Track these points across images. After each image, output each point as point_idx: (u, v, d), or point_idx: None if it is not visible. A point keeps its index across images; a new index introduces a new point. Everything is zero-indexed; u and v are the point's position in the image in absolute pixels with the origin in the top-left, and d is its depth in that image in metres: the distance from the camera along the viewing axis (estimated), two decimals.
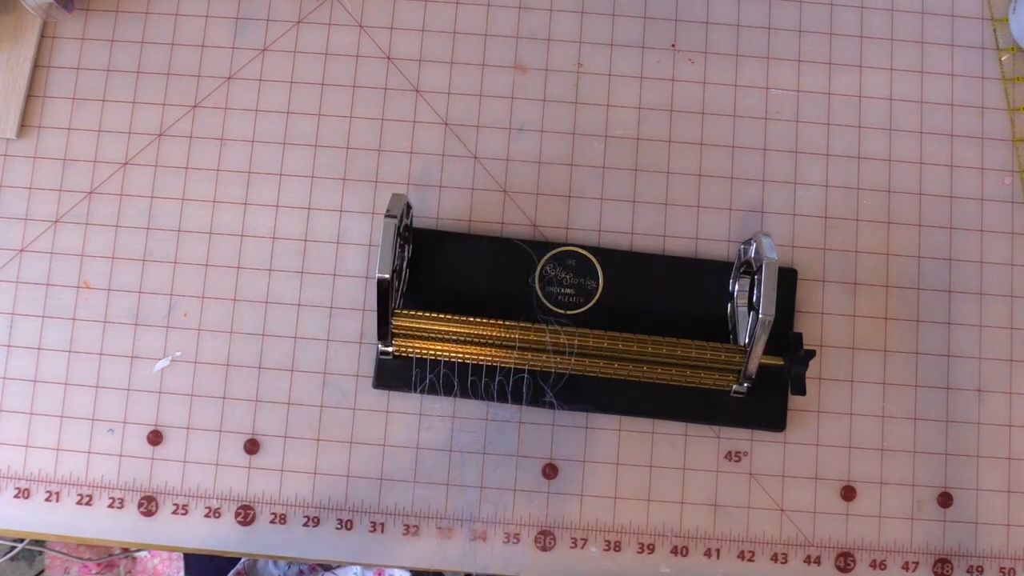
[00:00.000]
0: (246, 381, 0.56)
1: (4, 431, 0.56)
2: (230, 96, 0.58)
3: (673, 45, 0.59)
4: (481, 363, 0.53)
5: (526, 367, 0.53)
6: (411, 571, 0.58)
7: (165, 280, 0.57)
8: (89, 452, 0.55)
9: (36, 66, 0.59)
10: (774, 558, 0.55)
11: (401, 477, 0.55)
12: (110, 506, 0.55)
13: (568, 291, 0.56)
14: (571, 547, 0.55)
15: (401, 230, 0.51)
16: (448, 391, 0.54)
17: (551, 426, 0.56)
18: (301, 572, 0.65)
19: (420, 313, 0.52)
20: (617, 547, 0.55)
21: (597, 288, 0.56)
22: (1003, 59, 0.59)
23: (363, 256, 0.57)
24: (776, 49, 0.59)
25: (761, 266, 0.49)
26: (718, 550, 0.55)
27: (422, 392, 0.54)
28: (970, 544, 0.55)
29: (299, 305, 0.57)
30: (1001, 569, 0.55)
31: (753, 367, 0.50)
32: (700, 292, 0.56)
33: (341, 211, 0.57)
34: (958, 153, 0.58)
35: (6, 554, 1.04)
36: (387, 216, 0.49)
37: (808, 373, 0.51)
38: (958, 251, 0.57)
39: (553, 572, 0.55)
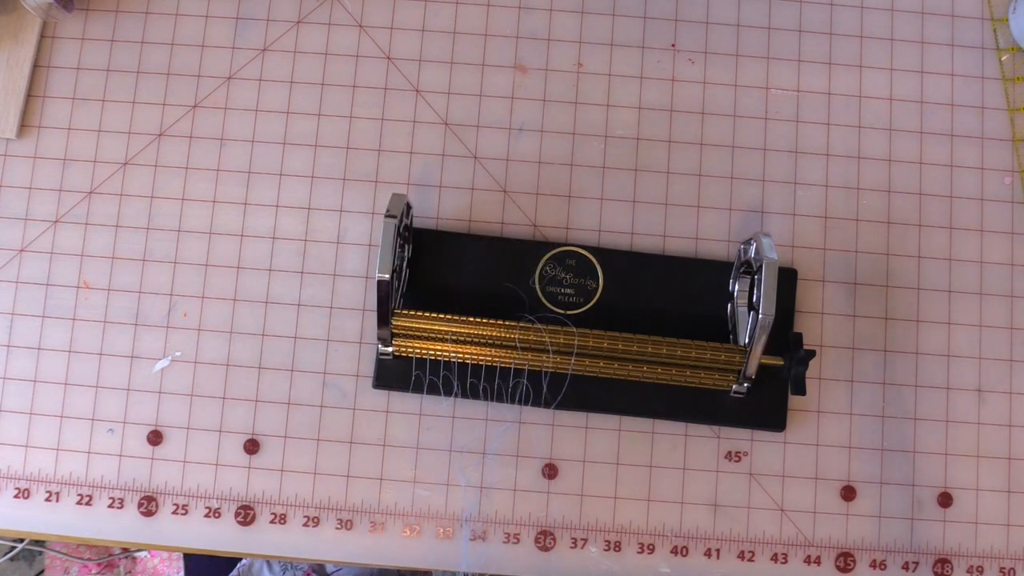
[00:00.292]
0: (246, 381, 0.56)
1: (4, 431, 0.56)
2: (230, 96, 0.58)
3: (673, 45, 0.59)
4: (481, 363, 0.53)
5: (526, 367, 0.53)
6: (410, 571, 0.58)
7: (165, 280, 0.57)
8: (89, 452, 0.55)
9: (36, 66, 0.59)
10: (774, 558, 0.55)
11: (401, 477, 0.55)
12: (110, 506, 0.55)
13: (568, 291, 0.56)
14: (571, 547, 0.55)
15: (401, 230, 0.51)
16: (448, 391, 0.54)
17: (551, 426, 0.56)
18: None
19: (420, 313, 0.52)
20: (617, 547, 0.55)
21: (597, 288, 0.56)
22: (1003, 59, 0.59)
23: (363, 256, 0.57)
24: (776, 49, 0.59)
25: (761, 266, 0.49)
26: (718, 550, 0.55)
27: (422, 392, 0.54)
28: (970, 544, 0.55)
29: (299, 305, 0.57)
30: (1001, 569, 0.55)
31: (753, 367, 0.50)
32: (700, 292, 0.56)
33: (341, 211, 0.57)
34: (958, 153, 0.58)
35: (6, 554, 1.04)
36: (387, 216, 0.49)
37: (808, 373, 0.51)
38: (958, 251, 0.57)
39: (553, 572, 0.55)
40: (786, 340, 0.52)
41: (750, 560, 0.54)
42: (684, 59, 0.59)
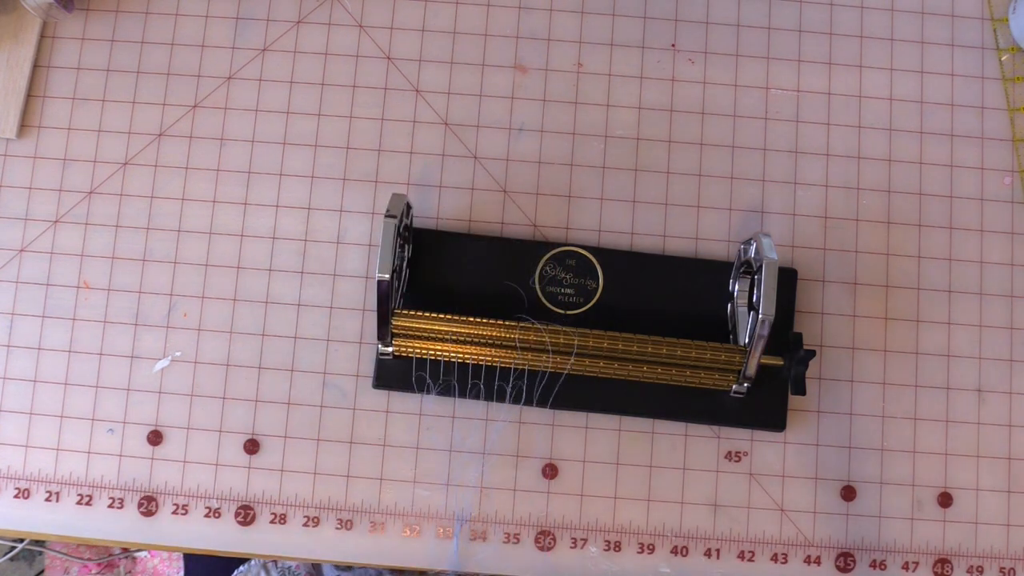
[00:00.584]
0: (246, 381, 0.56)
1: (4, 431, 0.56)
2: (230, 96, 0.58)
3: (673, 45, 0.59)
4: (481, 363, 0.53)
5: (526, 367, 0.53)
6: (408, 571, 0.58)
7: (165, 280, 0.57)
8: (89, 452, 0.55)
9: (36, 66, 0.59)
10: (774, 558, 0.55)
11: (401, 477, 0.55)
12: (110, 506, 0.55)
13: (568, 291, 0.56)
14: (571, 547, 0.55)
15: (401, 230, 0.51)
16: (448, 391, 0.54)
17: (551, 426, 0.56)
18: None
19: (420, 313, 0.52)
20: (617, 547, 0.55)
21: (597, 288, 0.56)
22: (1003, 59, 0.59)
23: (363, 256, 0.57)
24: (776, 49, 0.59)
25: (761, 266, 0.49)
26: (718, 550, 0.55)
27: (422, 392, 0.54)
28: (970, 544, 0.55)
29: (299, 305, 0.57)
30: (1001, 569, 0.55)
31: (753, 367, 0.50)
32: (700, 292, 0.56)
33: (341, 211, 0.57)
34: (958, 153, 0.58)
35: (6, 554, 1.04)
36: (387, 216, 0.49)
37: (808, 373, 0.51)
38: (958, 251, 0.57)
39: (553, 572, 0.55)
40: (786, 340, 0.52)
41: (750, 560, 0.54)
42: (684, 59, 0.59)
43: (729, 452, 0.55)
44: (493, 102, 0.58)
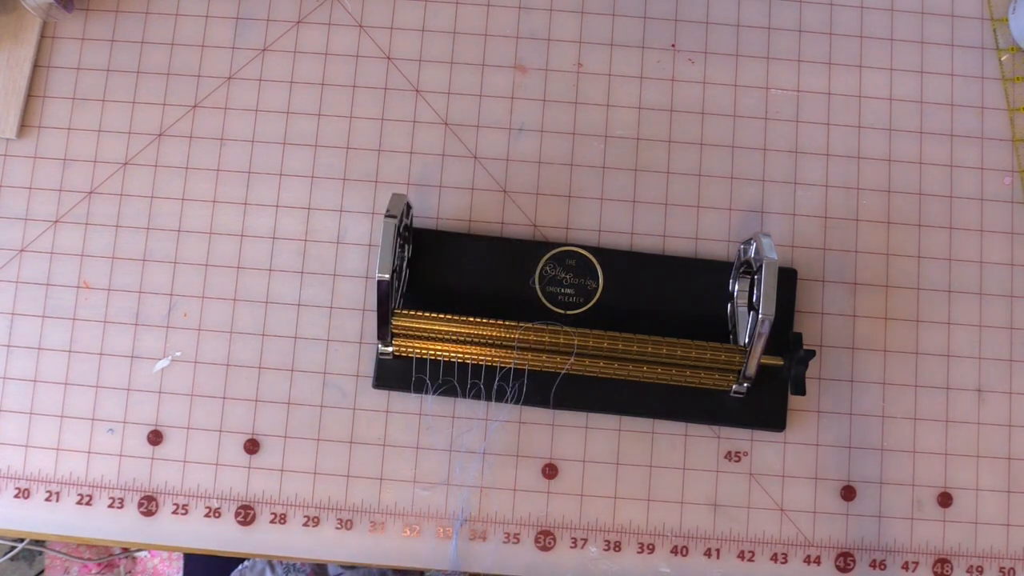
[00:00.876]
0: (246, 381, 0.56)
1: (4, 431, 0.56)
2: (230, 96, 0.58)
3: (673, 45, 0.59)
4: (481, 363, 0.53)
5: (526, 367, 0.53)
6: (406, 571, 0.58)
7: (165, 280, 0.57)
8: (89, 452, 0.55)
9: (36, 66, 0.59)
10: (774, 558, 0.55)
11: (401, 477, 0.55)
12: (110, 506, 0.55)
13: (568, 291, 0.56)
14: (571, 547, 0.55)
15: (401, 230, 0.51)
16: (448, 391, 0.54)
17: (551, 426, 0.56)
18: None
19: (420, 313, 0.52)
20: (617, 547, 0.55)
21: (597, 288, 0.56)
22: (1003, 59, 0.59)
23: (363, 256, 0.57)
24: (776, 49, 0.59)
25: (761, 266, 0.49)
26: (718, 550, 0.55)
27: (422, 392, 0.54)
28: (970, 544, 0.55)
29: (299, 305, 0.57)
30: (1001, 569, 0.55)
31: (753, 367, 0.50)
32: (700, 292, 0.56)
33: (341, 211, 0.57)
34: (958, 153, 0.58)
35: (6, 554, 1.04)
36: (387, 216, 0.49)
37: (808, 373, 0.51)
38: (958, 251, 0.57)
39: (553, 572, 0.55)
40: (786, 340, 0.52)
41: (750, 560, 0.55)
42: (684, 59, 0.59)
43: (729, 452, 0.55)
44: (493, 102, 0.58)
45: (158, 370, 0.56)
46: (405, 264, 0.54)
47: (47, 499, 0.55)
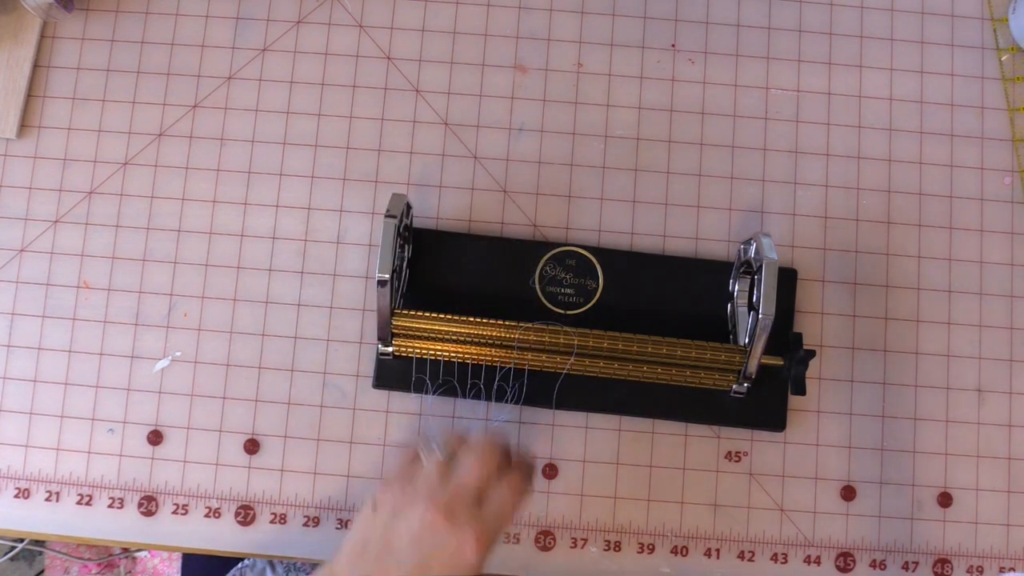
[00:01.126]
0: (246, 381, 0.56)
1: (4, 431, 0.56)
2: (230, 96, 0.58)
3: (673, 45, 0.59)
4: (481, 363, 0.53)
5: (526, 367, 0.53)
6: None
7: (165, 280, 0.57)
8: (89, 452, 0.55)
9: (36, 66, 0.59)
10: (774, 558, 0.55)
11: None
12: (110, 506, 0.55)
13: (568, 291, 0.56)
14: (571, 547, 0.55)
15: (401, 230, 0.51)
16: (448, 391, 0.54)
17: (551, 426, 0.56)
18: None
19: (420, 313, 0.52)
20: (617, 547, 0.55)
21: (597, 288, 0.56)
22: (1003, 59, 0.59)
23: (363, 256, 0.57)
24: (776, 49, 0.59)
25: (761, 266, 0.49)
26: (718, 550, 0.55)
27: (422, 392, 0.54)
28: (970, 544, 0.55)
29: (299, 305, 0.57)
30: (1001, 569, 0.55)
31: (753, 367, 0.50)
32: (700, 292, 0.56)
33: (341, 211, 0.57)
34: (958, 153, 0.58)
35: (6, 554, 1.04)
36: (387, 216, 0.49)
37: (808, 373, 0.51)
38: (958, 251, 0.57)
39: (553, 572, 0.55)
40: (786, 340, 0.52)
41: (750, 560, 0.55)
42: (684, 59, 0.59)
43: (729, 452, 0.55)
44: (493, 102, 0.58)
45: (158, 370, 0.56)
46: (405, 264, 0.54)
47: (47, 499, 0.55)
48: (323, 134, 0.58)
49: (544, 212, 0.57)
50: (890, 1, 0.60)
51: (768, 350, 0.50)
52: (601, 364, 0.52)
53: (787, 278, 0.56)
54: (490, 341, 0.52)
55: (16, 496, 0.55)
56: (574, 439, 0.56)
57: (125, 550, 1.13)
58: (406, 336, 0.52)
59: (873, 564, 0.55)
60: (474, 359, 0.53)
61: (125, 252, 0.57)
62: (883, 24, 0.59)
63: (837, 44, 0.59)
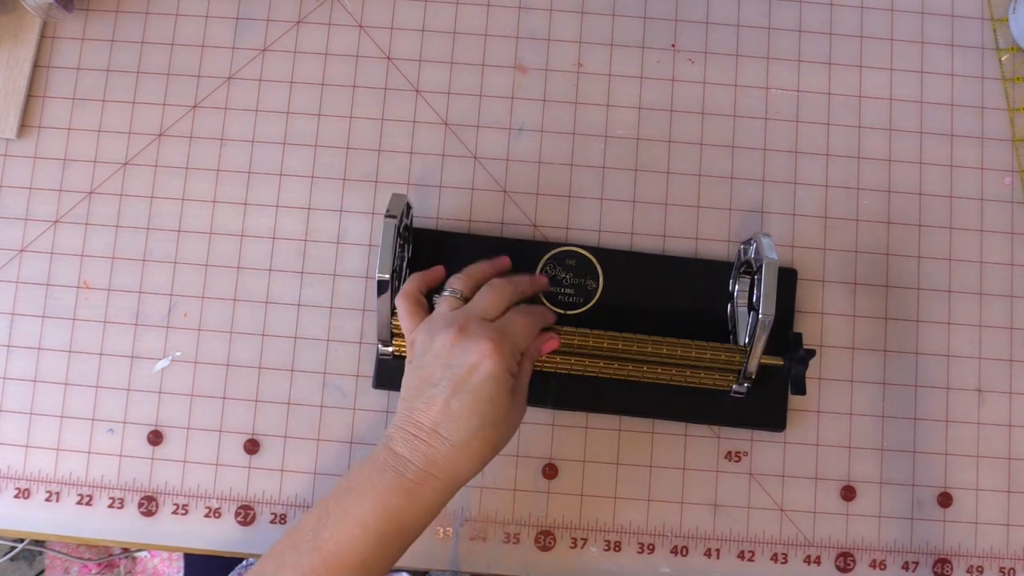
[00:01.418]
0: (246, 381, 0.56)
1: (4, 431, 0.56)
2: (230, 96, 0.58)
3: (673, 45, 0.59)
4: None
5: None
6: (407, 571, 0.58)
7: (165, 280, 0.57)
8: (89, 452, 0.55)
9: (36, 66, 0.59)
10: (774, 558, 0.55)
11: None
12: (110, 506, 0.55)
13: (568, 291, 0.56)
14: (571, 547, 0.55)
15: (401, 230, 0.51)
16: None
17: (551, 426, 0.56)
18: None
19: None
20: (617, 547, 0.55)
21: (597, 288, 0.56)
22: (1003, 59, 0.59)
23: (363, 256, 0.57)
24: (776, 49, 0.59)
25: (761, 266, 0.49)
26: (718, 550, 0.55)
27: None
28: (970, 544, 0.55)
29: (299, 305, 0.57)
30: (1001, 569, 0.55)
31: (753, 367, 0.50)
32: (700, 292, 0.55)
33: (341, 211, 0.57)
34: (958, 153, 0.58)
35: (6, 554, 1.04)
36: (387, 216, 0.49)
37: (808, 373, 0.51)
38: (958, 251, 0.57)
39: (553, 572, 0.55)
40: (786, 340, 0.52)
41: (750, 560, 0.55)
42: (684, 59, 0.59)
43: (729, 452, 0.55)
44: (493, 102, 0.58)
45: (158, 370, 0.56)
46: (405, 264, 0.54)
47: (47, 499, 0.55)
48: (323, 134, 0.58)
49: (544, 212, 0.57)
50: (890, 1, 0.60)
51: (768, 350, 0.50)
52: (601, 364, 0.52)
53: (787, 278, 0.56)
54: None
55: (16, 496, 0.55)
56: (574, 439, 0.56)
57: (125, 550, 1.13)
58: None
59: (873, 564, 0.55)
60: None
61: (125, 252, 0.57)
62: (883, 24, 0.59)
63: (837, 44, 0.59)
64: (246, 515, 0.55)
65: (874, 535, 0.55)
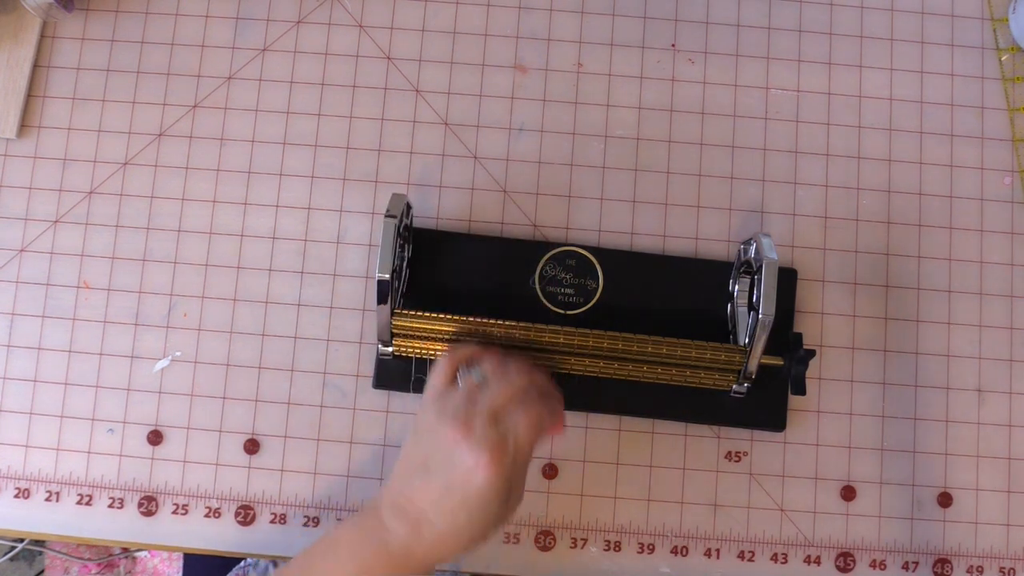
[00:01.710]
0: (246, 381, 0.56)
1: (4, 431, 0.56)
2: (230, 96, 0.58)
3: (673, 45, 0.59)
4: None
5: None
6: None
7: (165, 280, 0.57)
8: (89, 452, 0.55)
9: (36, 66, 0.59)
10: (774, 558, 0.55)
11: None
12: (110, 506, 0.55)
13: (568, 291, 0.56)
14: (571, 547, 0.55)
15: (401, 230, 0.51)
16: None
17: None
18: None
19: (420, 313, 0.52)
20: (617, 547, 0.55)
21: (597, 288, 0.56)
22: (1003, 59, 0.59)
23: (363, 256, 0.57)
24: (776, 49, 0.59)
25: (761, 266, 0.49)
26: (718, 550, 0.55)
27: (422, 392, 0.54)
28: (970, 544, 0.55)
29: (299, 305, 0.57)
30: (1001, 569, 0.55)
31: (753, 367, 0.50)
32: (700, 292, 0.56)
33: (341, 211, 0.57)
34: (958, 153, 0.58)
35: (6, 554, 1.04)
36: (387, 216, 0.49)
37: (808, 373, 0.51)
38: (958, 251, 0.57)
39: (553, 572, 0.55)
40: (786, 340, 0.52)
41: (750, 560, 0.55)
42: (684, 59, 0.59)
43: (729, 452, 0.55)
44: (493, 102, 0.58)
45: (158, 370, 0.56)
46: (405, 264, 0.54)
47: (47, 499, 0.55)
48: (323, 134, 0.58)
49: (544, 212, 0.57)
50: (890, 1, 0.60)
51: (768, 350, 0.50)
52: (601, 364, 0.52)
53: (787, 278, 0.56)
54: (490, 341, 0.52)
55: (16, 496, 0.55)
56: (574, 439, 0.56)
57: (125, 550, 1.13)
58: (406, 336, 0.52)
59: (873, 564, 0.55)
60: None
61: (125, 252, 0.57)
62: (883, 24, 0.59)
63: (837, 44, 0.59)
64: (246, 515, 0.55)
65: (874, 535, 0.55)
